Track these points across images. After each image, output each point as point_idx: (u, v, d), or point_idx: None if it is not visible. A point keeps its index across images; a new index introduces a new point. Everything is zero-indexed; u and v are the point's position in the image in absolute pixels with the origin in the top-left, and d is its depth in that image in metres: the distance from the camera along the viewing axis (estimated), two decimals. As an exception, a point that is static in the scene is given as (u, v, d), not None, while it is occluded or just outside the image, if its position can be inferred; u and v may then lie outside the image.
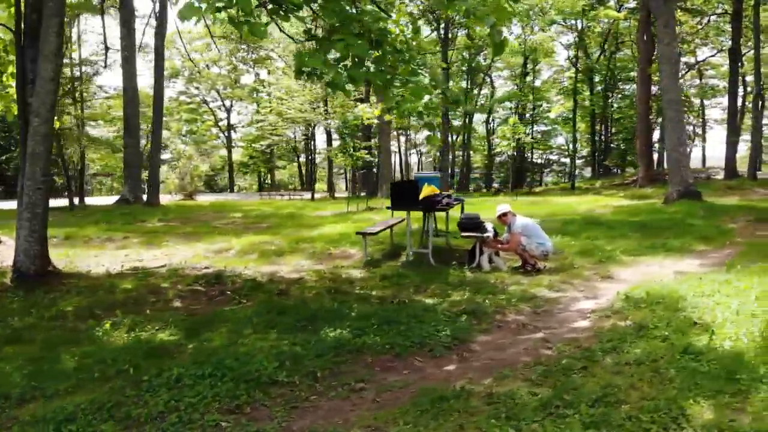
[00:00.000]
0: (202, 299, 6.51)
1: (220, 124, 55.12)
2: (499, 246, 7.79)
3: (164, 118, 55.44)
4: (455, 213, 9.79)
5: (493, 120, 48.88)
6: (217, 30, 45.03)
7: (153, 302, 6.29)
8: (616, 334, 4.41)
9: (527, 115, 44.40)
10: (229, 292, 6.61)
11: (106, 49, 26.59)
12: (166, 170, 36.06)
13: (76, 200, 28.17)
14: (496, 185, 46.76)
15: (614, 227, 11.86)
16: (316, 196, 34.26)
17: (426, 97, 6.77)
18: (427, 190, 8.47)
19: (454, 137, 49.34)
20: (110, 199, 26.57)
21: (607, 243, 9.77)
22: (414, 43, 7.41)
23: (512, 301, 5.86)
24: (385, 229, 9.02)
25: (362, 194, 29.85)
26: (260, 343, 4.51)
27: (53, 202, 26.53)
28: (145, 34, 28.44)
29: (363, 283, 6.93)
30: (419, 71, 7.14)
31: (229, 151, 55.06)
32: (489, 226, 7.79)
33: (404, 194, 7.93)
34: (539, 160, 62.32)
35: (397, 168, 70.26)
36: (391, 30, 7.15)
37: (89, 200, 29.23)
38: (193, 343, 4.68)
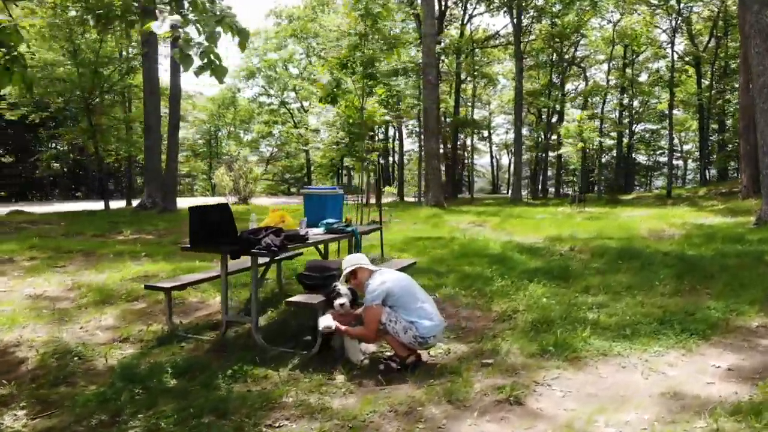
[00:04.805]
0: None
1: (298, 125, 53.79)
2: (348, 330, 4.45)
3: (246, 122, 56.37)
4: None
5: (593, 117, 43.56)
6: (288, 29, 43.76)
7: None
8: None
9: (624, 112, 38.97)
10: None
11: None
12: (222, 173, 34.78)
13: (122, 203, 27.65)
14: (600, 188, 41.67)
15: (651, 265, 8.15)
16: (384, 200, 31.43)
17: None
18: (273, 218, 5.34)
19: (550, 135, 44.65)
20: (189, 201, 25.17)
21: (608, 300, 6.25)
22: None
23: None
24: (196, 283, 5.94)
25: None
26: None
27: (90, 205, 25.98)
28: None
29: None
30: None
31: (307, 153, 53.58)
32: (342, 287, 4.52)
33: (209, 227, 4.82)
34: (648, 162, 55.94)
35: (490, 171, 66.22)
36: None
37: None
38: None
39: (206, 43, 3.62)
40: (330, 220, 5.80)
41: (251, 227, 5.14)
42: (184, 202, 22.68)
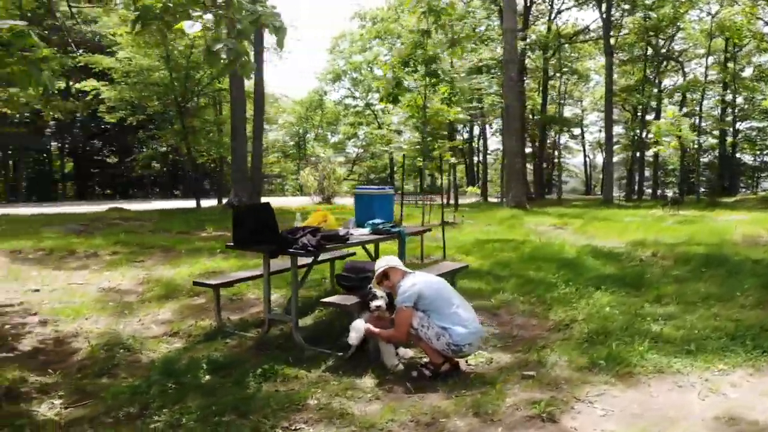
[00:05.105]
0: None
1: (381, 126, 54.20)
2: (380, 332, 4.30)
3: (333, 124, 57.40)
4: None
5: (690, 114, 40.94)
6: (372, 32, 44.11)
7: None
8: None
9: (727, 109, 36.30)
10: None
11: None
12: (308, 173, 35.55)
13: (215, 202, 28.93)
14: (700, 190, 39.22)
15: (737, 274, 7.49)
16: (466, 201, 31.09)
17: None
18: (316, 217, 5.31)
19: (644, 133, 42.38)
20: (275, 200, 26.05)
21: (679, 311, 5.76)
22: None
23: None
24: (243, 280, 6.01)
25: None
26: None
27: (185, 203, 27.33)
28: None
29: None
30: None
31: (390, 154, 53.88)
32: (378, 290, 4.39)
33: (248, 226, 4.84)
34: (755, 162, 51.96)
35: (583, 169, 63.73)
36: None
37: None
38: None
39: (234, 40, 3.60)
40: (377, 221, 5.70)
41: (295, 226, 5.13)
42: (270, 201, 23.37)
